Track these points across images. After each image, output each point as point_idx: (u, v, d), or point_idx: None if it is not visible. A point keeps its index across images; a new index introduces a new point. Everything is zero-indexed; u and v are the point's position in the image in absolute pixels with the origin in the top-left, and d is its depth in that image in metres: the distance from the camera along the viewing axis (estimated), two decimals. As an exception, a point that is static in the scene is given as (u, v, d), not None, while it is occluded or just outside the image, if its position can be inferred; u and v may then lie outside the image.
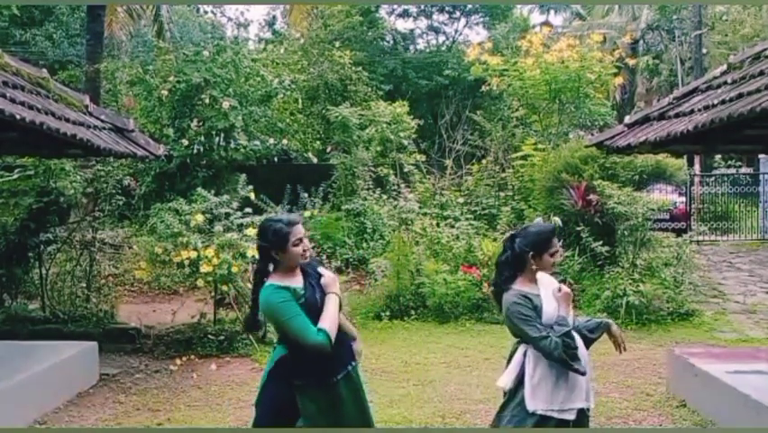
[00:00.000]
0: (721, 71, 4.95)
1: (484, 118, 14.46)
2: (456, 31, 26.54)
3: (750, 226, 15.33)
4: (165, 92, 10.27)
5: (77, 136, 5.06)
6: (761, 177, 16.05)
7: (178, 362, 6.83)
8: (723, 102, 4.22)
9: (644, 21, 25.89)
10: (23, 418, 5.11)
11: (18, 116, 4.23)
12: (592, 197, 9.40)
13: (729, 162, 19.61)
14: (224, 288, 7.21)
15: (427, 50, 25.94)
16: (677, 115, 4.91)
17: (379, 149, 13.01)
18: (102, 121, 6.04)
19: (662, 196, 12.43)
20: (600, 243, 8.98)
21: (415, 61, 23.36)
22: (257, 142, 11.32)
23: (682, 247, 9.28)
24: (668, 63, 25.93)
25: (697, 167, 18.11)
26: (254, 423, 3.29)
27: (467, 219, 10.57)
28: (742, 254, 12.96)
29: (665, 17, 25.64)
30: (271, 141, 11.34)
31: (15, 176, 7.93)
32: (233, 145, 10.84)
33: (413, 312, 8.78)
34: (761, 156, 15.77)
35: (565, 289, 3.24)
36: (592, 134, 10.90)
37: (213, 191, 8.16)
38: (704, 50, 22.46)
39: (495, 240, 9.51)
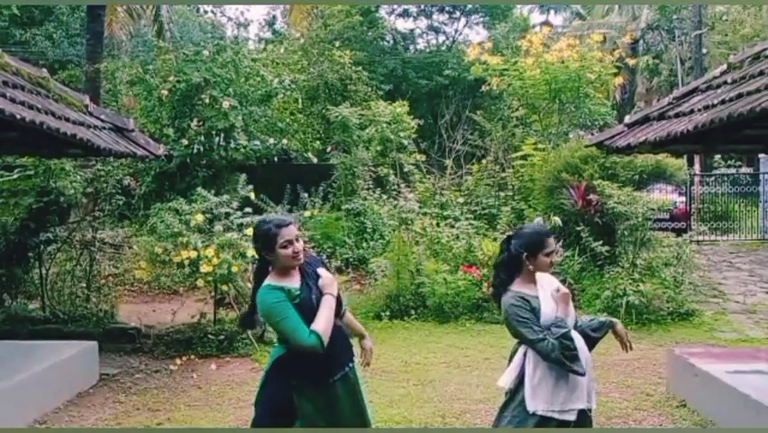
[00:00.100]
0: (721, 71, 4.95)
1: (484, 118, 14.47)
2: (456, 31, 26.59)
3: (750, 226, 15.33)
4: (165, 92, 10.27)
5: (77, 136, 5.06)
6: (761, 177, 16.05)
7: (178, 362, 6.83)
8: (723, 102, 4.21)
9: (644, 21, 25.89)
10: (23, 417, 5.11)
11: (18, 116, 4.23)
12: (592, 196, 9.40)
13: (729, 162, 19.63)
14: (224, 288, 7.21)
15: (427, 50, 25.94)
16: (677, 115, 4.90)
17: (379, 149, 13.01)
18: (102, 121, 6.04)
19: (662, 196, 12.44)
20: (600, 242, 8.98)
21: (415, 61, 23.37)
22: (257, 142, 11.32)
23: (682, 247, 9.28)
24: (668, 63, 25.93)
25: (697, 167, 18.11)
26: (253, 422, 3.29)
27: (467, 219, 10.58)
28: (742, 254, 12.96)
29: (665, 17, 25.65)
30: (271, 141, 11.34)
31: (15, 176, 7.94)
32: (233, 145, 10.84)
33: (413, 312, 8.78)
34: (761, 156, 15.77)
35: (563, 289, 3.23)
36: (592, 134, 10.91)
37: (213, 191, 8.16)
38: (704, 50, 22.47)
39: (495, 240, 9.50)
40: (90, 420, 5.31)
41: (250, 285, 6.87)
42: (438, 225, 10.29)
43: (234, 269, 6.93)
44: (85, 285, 8.23)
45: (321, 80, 15.45)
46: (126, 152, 6.04)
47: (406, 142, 13.48)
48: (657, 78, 26.47)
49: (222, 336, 7.25)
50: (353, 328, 3.53)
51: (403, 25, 26.33)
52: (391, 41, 24.98)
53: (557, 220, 9.27)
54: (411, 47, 26.12)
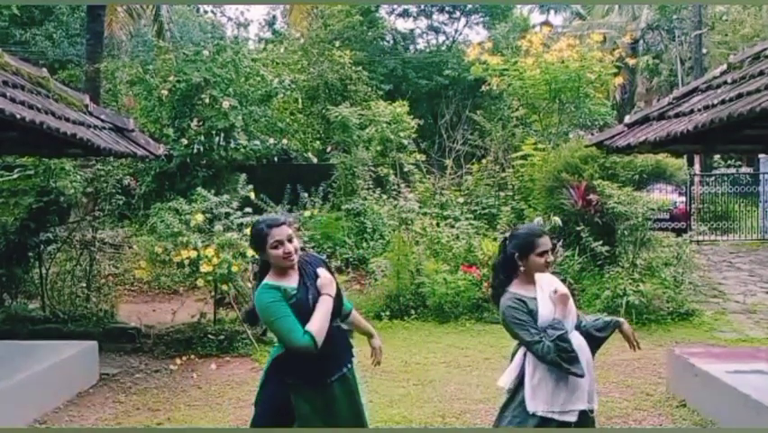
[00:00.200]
0: (721, 71, 4.95)
1: (484, 118, 14.47)
2: (456, 30, 26.59)
3: (750, 226, 15.33)
4: (165, 92, 10.27)
5: (77, 136, 5.06)
6: (761, 177, 16.06)
7: (178, 361, 6.83)
8: (723, 102, 4.21)
9: (644, 21, 25.89)
10: (23, 417, 5.11)
11: (18, 116, 4.22)
12: (592, 196, 9.40)
13: (729, 162, 19.64)
14: (224, 287, 7.21)
15: (427, 50, 25.94)
16: (677, 115, 4.90)
17: (379, 149, 13.01)
18: (102, 120, 6.04)
19: (662, 196, 12.45)
20: (600, 242, 8.98)
21: (415, 61, 23.37)
22: (257, 142, 11.32)
23: (682, 247, 9.29)
24: (668, 63, 25.94)
25: (697, 167, 18.12)
26: (252, 421, 3.28)
27: (467, 219, 10.58)
28: (742, 254, 12.97)
29: (665, 17, 25.65)
30: (271, 140, 11.34)
31: (15, 176, 7.94)
32: (233, 145, 10.84)
33: (413, 312, 8.78)
34: (761, 156, 15.78)
35: (561, 291, 3.19)
36: (592, 134, 10.92)
37: (213, 191, 8.16)
38: (704, 50, 22.47)
39: (495, 240, 9.50)
40: (90, 420, 5.31)
41: (250, 285, 6.91)
42: (438, 225, 10.30)
43: (234, 269, 6.92)
44: (85, 285, 8.23)
45: (321, 80, 15.44)
46: (126, 151, 6.04)
47: (406, 142, 13.48)
48: (657, 78, 26.47)
49: (222, 336, 7.25)
50: (361, 328, 3.52)
51: (403, 25, 26.38)
52: (391, 41, 24.97)
53: (557, 220, 9.27)
54: (411, 47, 26.12)
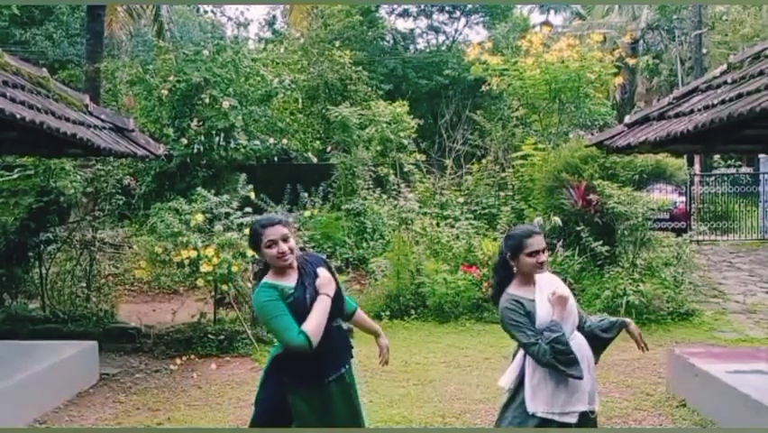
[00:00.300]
0: (721, 71, 4.95)
1: (484, 118, 14.47)
2: (456, 30, 26.58)
3: (750, 226, 15.33)
4: (165, 92, 10.27)
5: (77, 136, 5.06)
6: (761, 177, 16.07)
7: (178, 361, 6.83)
8: (723, 102, 4.21)
9: (644, 21, 25.89)
10: (23, 417, 5.11)
11: (18, 116, 4.22)
12: (592, 196, 9.40)
13: (729, 162, 19.64)
14: (224, 287, 7.21)
15: (427, 50, 25.93)
16: (677, 115, 4.90)
17: (379, 149, 13.01)
18: (102, 120, 6.04)
19: (662, 195, 12.44)
20: (600, 242, 8.98)
21: (415, 61, 23.36)
22: (257, 142, 11.32)
23: (682, 247, 9.29)
24: (668, 63, 25.94)
25: (697, 167, 18.12)
26: (252, 421, 3.29)
27: (467, 219, 10.58)
28: (742, 254, 12.97)
29: (665, 17, 25.65)
30: (271, 140, 11.34)
31: (15, 175, 7.94)
32: (233, 145, 10.84)
33: (413, 312, 8.78)
34: (761, 156, 15.78)
35: (559, 292, 3.16)
36: (592, 134, 10.92)
37: (213, 191, 8.16)
38: (704, 50, 22.47)
39: (495, 240, 9.51)
40: (90, 420, 5.31)
41: (250, 285, 6.90)
42: (438, 225, 10.30)
43: (234, 268, 6.92)
44: (85, 285, 8.23)
45: (321, 80, 15.44)
46: (126, 151, 6.04)
47: (406, 141, 13.48)
48: (657, 78, 26.47)
49: (222, 336, 7.25)
50: (367, 327, 3.52)
51: (403, 25, 26.37)
52: (391, 41, 24.97)
53: (557, 220, 9.27)
54: (411, 47, 26.12)
